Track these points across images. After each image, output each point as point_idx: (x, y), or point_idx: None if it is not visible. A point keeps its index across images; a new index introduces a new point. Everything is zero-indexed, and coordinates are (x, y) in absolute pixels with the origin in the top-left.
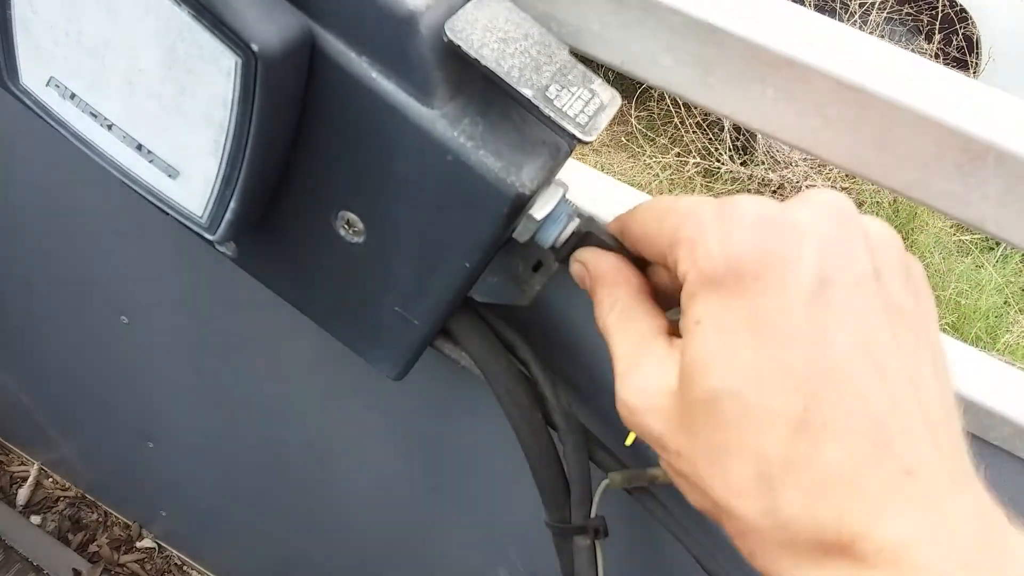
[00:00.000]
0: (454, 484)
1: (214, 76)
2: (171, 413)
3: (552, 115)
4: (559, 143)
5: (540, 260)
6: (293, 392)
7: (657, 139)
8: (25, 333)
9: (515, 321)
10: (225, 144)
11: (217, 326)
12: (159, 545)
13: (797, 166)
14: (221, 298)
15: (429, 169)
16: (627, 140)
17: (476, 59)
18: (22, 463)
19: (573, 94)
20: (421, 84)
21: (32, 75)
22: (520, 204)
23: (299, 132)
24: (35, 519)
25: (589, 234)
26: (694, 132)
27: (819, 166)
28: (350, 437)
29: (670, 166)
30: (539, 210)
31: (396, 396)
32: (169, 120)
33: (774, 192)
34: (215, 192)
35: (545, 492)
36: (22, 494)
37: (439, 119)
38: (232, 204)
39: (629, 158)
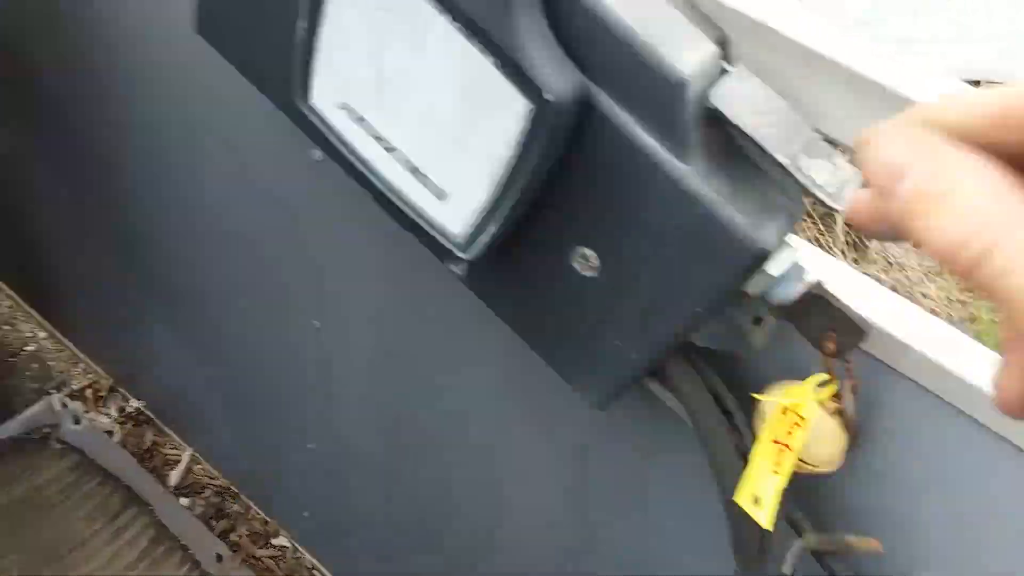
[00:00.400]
0: (622, 524)
1: (505, 117)
2: (341, 420)
3: (805, 181)
4: (794, 209)
5: (761, 315)
6: (472, 418)
7: None
8: (218, 324)
9: (722, 371)
10: (500, 177)
11: (406, 343)
12: (293, 545)
13: (913, 270)
14: (414, 318)
15: (677, 218)
16: None
17: (738, 125)
18: (175, 448)
19: (820, 165)
20: (680, 142)
21: (324, 96)
22: (761, 259)
23: (558, 171)
24: (184, 501)
25: (820, 298)
26: (807, 220)
27: (934, 273)
28: (521, 468)
29: None
30: (775, 267)
31: (576, 431)
32: (452, 151)
33: None
34: (478, 217)
35: (739, 543)
36: (173, 476)
37: (693, 175)
38: (491, 228)
39: None
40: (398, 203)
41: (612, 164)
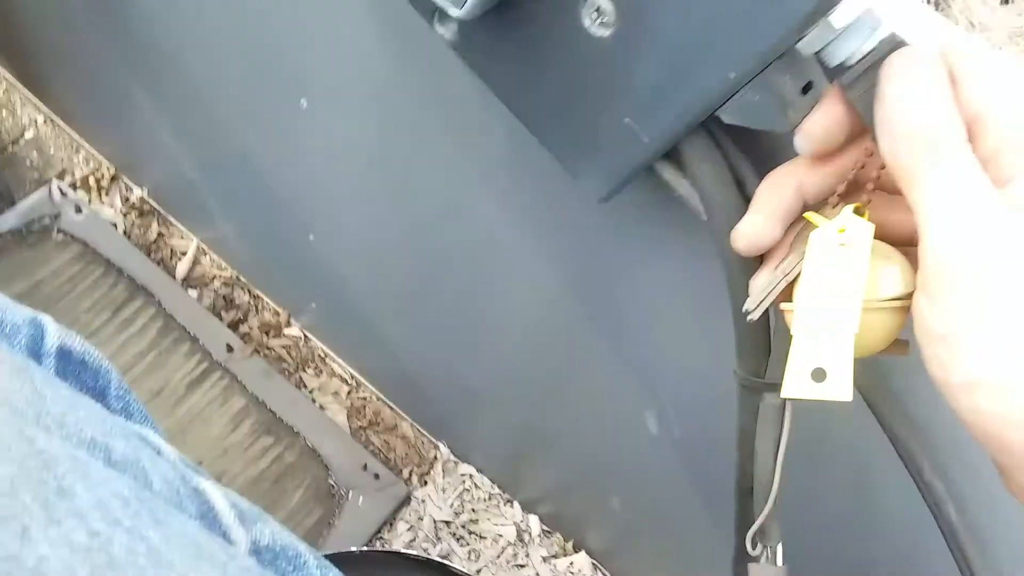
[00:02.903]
0: (619, 317)
1: None
2: (337, 208)
3: None
4: None
5: (812, 80)
6: (467, 199)
7: None
8: (201, 105)
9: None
10: None
11: (400, 119)
12: (305, 335)
13: (997, 31)
14: (410, 88)
15: None
16: None
17: None
18: (182, 237)
19: None
20: None
21: None
22: (827, 6)
23: None
24: (192, 293)
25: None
26: None
27: (1020, 35)
28: (519, 253)
29: None
30: (841, 16)
31: (579, 215)
32: None
33: None
34: None
35: (743, 340)
36: (180, 267)
37: None
38: None
39: None
40: None
41: None
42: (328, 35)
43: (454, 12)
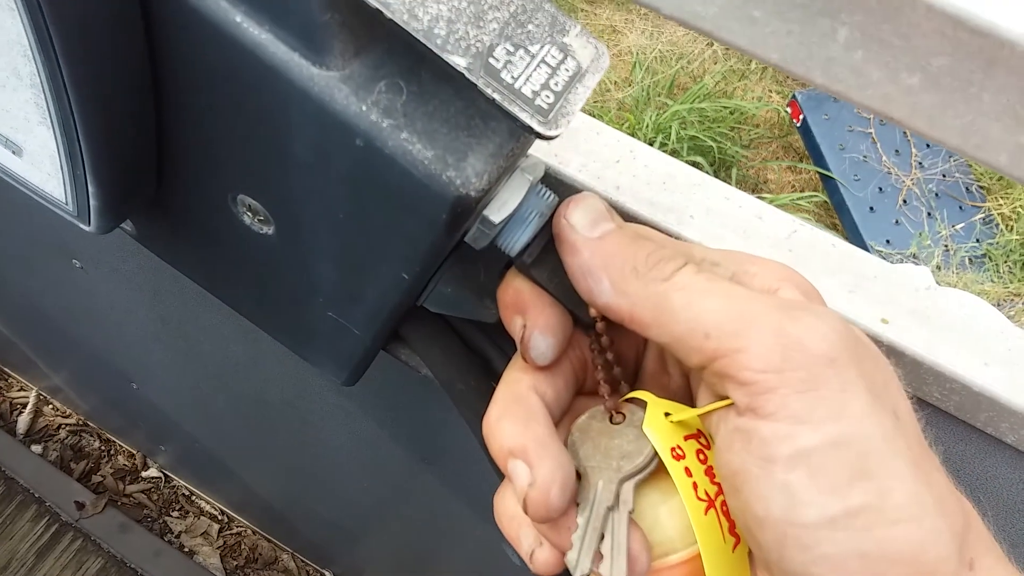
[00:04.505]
0: (446, 459)
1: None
2: (146, 357)
3: (497, 96)
4: (511, 126)
5: (510, 263)
6: (263, 352)
7: None
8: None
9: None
10: (48, 106)
11: (172, 275)
12: (165, 475)
13: None
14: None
15: (334, 155)
16: None
17: (378, 9)
18: (22, 388)
19: (533, 57)
20: (306, 34)
21: None
22: (465, 208)
23: (163, 91)
24: (36, 448)
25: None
26: None
27: None
28: (328, 401)
29: None
30: (498, 211)
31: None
32: None
33: None
34: (66, 170)
35: None
36: (22, 421)
37: (339, 85)
38: (90, 186)
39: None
40: None
41: (223, 75)
42: None
43: (86, 228)
